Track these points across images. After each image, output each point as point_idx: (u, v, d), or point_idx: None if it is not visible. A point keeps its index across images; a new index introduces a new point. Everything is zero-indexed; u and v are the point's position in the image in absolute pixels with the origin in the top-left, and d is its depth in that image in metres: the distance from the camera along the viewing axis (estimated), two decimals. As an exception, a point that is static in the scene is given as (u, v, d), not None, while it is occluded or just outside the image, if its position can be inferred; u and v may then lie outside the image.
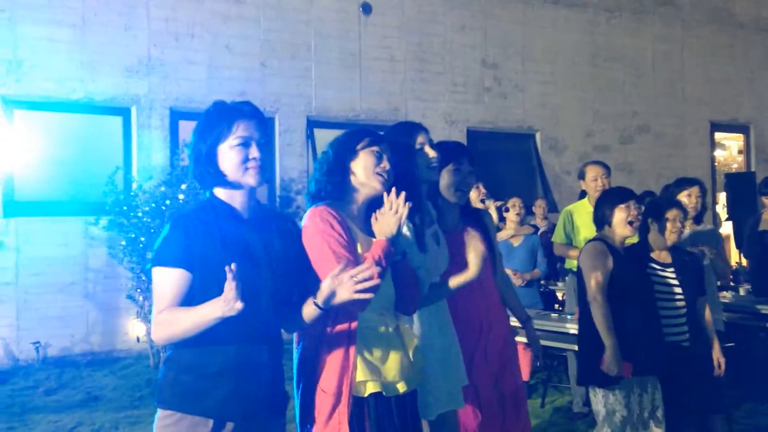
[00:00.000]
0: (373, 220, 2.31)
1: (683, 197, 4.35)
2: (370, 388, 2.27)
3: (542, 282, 6.25)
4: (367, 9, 8.42)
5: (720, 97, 10.93)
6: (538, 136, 9.67)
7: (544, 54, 9.63)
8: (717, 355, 3.73)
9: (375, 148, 2.38)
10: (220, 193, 2.17)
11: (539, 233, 7.32)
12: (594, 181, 4.95)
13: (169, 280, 2.05)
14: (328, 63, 8.31)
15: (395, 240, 2.26)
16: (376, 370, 2.28)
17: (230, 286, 1.88)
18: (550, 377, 5.72)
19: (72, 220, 7.08)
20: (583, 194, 5.53)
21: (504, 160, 9.37)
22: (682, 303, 3.62)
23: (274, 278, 2.13)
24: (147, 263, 5.91)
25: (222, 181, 2.15)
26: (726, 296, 5.87)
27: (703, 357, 3.72)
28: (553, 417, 5.21)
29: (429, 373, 2.62)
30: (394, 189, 2.28)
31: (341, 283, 2.04)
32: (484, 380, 2.96)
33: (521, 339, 3.83)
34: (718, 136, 11.43)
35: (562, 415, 5.24)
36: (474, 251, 2.58)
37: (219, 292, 1.92)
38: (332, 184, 2.36)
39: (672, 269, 3.66)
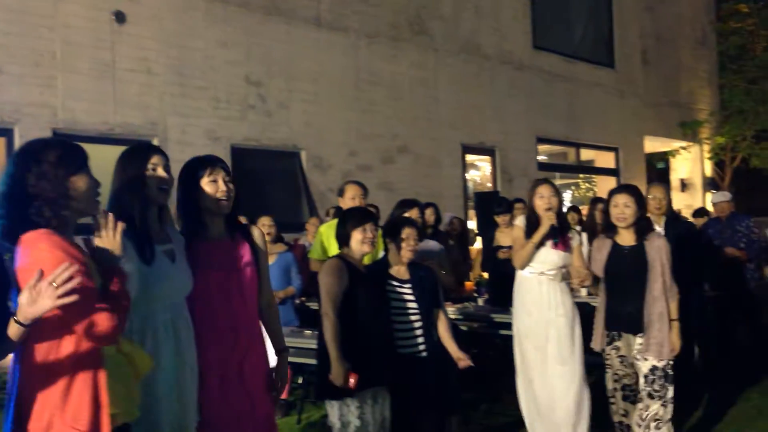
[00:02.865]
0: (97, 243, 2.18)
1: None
2: (121, 418, 2.13)
3: (298, 300, 6.33)
4: (120, 18, 7.95)
5: (470, 121, 11.87)
6: (303, 154, 9.80)
7: (309, 74, 9.80)
8: (456, 354, 3.93)
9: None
10: None
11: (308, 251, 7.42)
12: (352, 200, 5.10)
13: None
14: (77, 72, 7.72)
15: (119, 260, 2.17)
16: (125, 399, 2.14)
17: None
18: (307, 393, 5.77)
19: None
20: (339, 211, 5.68)
21: (270, 178, 9.38)
22: (418, 317, 3.84)
23: None
24: None
25: None
26: (468, 306, 6.36)
27: (440, 364, 3.96)
28: (307, 433, 5.28)
29: (161, 395, 2.52)
30: (104, 212, 2.20)
31: (40, 292, 1.87)
32: (238, 400, 2.88)
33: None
34: (470, 157, 12.43)
35: (317, 430, 5.32)
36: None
37: None
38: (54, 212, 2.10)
39: (409, 285, 3.87)
